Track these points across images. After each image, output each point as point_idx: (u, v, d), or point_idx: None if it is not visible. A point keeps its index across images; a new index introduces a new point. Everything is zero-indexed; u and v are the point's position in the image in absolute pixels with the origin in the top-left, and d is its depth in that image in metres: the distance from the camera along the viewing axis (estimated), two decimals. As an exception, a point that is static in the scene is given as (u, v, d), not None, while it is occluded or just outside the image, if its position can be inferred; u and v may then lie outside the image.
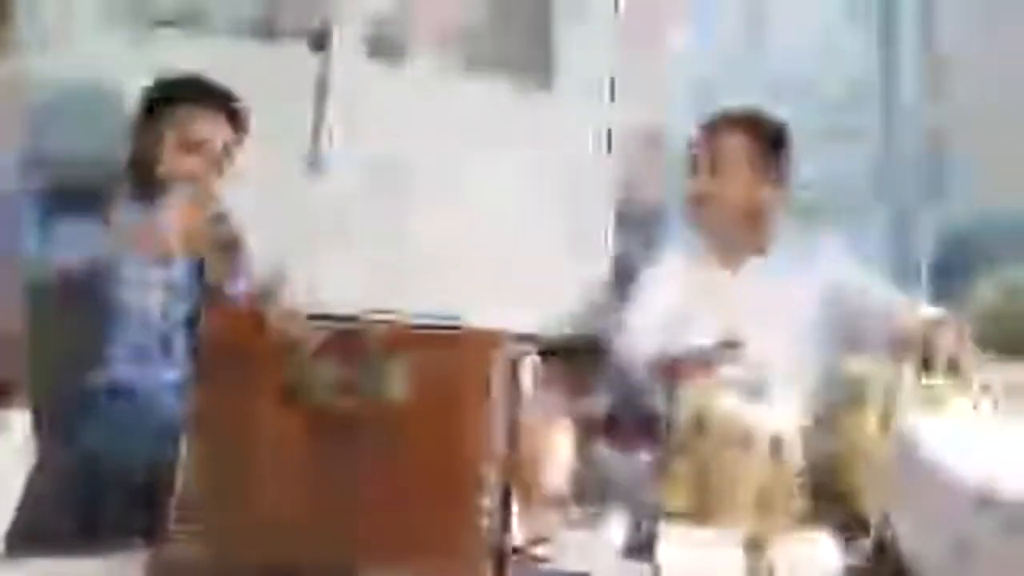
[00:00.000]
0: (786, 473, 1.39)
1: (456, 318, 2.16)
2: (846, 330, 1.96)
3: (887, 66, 2.58)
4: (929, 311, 1.83)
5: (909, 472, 1.10)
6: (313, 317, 2.06)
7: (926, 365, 1.61)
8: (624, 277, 2.30)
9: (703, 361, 1.64)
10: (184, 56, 2.09)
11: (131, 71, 2.00)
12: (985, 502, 0.97)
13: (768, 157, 2.05)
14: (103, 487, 1.47)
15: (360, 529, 0.98)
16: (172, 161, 1.76)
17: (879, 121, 2.55)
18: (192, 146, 1.77)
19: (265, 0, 2.51)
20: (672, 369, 1.69)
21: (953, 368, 1.58)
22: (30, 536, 1.00)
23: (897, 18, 2.59)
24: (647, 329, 1.90)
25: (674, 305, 1.98)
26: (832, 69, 2.56)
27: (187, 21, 2.33)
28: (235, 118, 1.84)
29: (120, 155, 1.83)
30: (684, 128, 2.33)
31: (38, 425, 1.01)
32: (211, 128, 1.80)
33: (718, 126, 2.09)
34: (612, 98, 2.44)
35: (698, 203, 2.04)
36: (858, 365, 1.50)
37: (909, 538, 1.11)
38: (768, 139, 2.06)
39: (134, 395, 1.60)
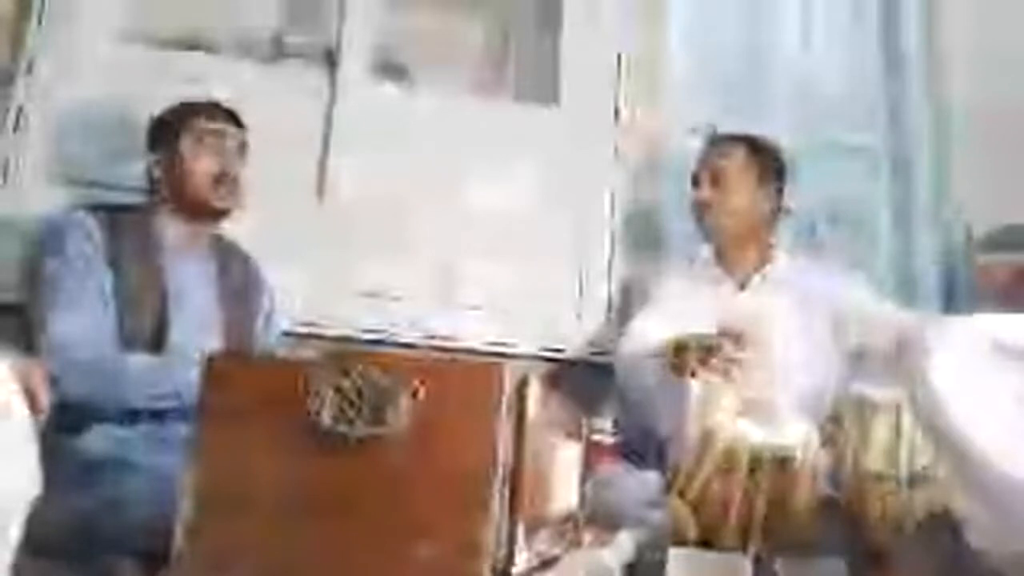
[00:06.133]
0: (795, 495, 1.38)
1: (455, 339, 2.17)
2: (854, 351, 1.95)
3: (889, 70, 2.57)
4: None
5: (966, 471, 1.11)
6: (312, 338, 2.09)
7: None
8: (631, 293, 2.29)
9: (705, 349, 1.64)
10: (193, 77, 2.11)
11: (144, 92, 2.03)
12: None
13: (766, 175, 2.06)
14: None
15: (361, 559, 0.98)
16: (192, 163, 1.78)
17: (882, 128, 2.54)
18: (207, 138, 1.79)
19: (274, 22, 2.53)
20: (678, 364, 1.68)
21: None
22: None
23: (899, 18, 2.58)
24: (654, 339, 1.90)
25: (681, 317, 1.97)
26: (834, 72, 2.56)
27: (197, 43, 2.35)
28: (241, 126, 1.87)
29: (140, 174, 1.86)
30: (685, 135, 2.36)
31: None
32: (222, 124, 1.83)
33: (718, 145, 2.10)
34: (617, 112, 2.44)
35: (703, 207, 2.05)
36: (867, 387, 1.49)
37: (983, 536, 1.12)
38: (766, 158, 2.08)
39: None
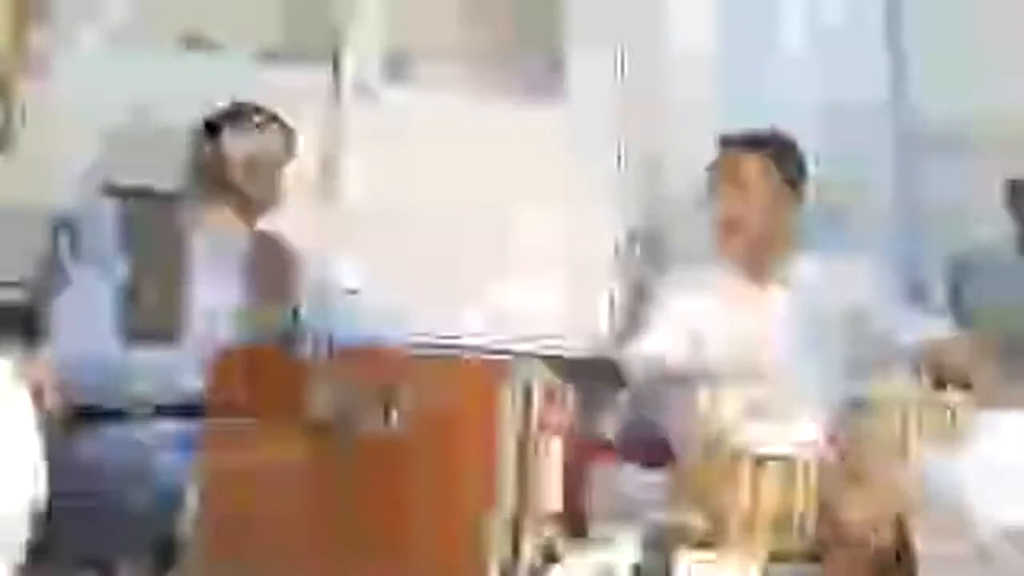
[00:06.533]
0: (802, 496, 1.38)
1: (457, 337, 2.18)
2: (867, 352, 1.95)
3: (895, 81, 2.56)
4: (945, 331, 1.85)
5: (935, 496, 1.11)
6: (314, 338, 2.09)
7: (941, 383, 1.62)
8: (633, 293, 2.29)
9: None
10: (193, 77, 2.12)
11: (144, 92, 2.03)
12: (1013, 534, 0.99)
13: (778, 172, 2.04)
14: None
15: (362, 558, 0.98)
16: (231, 152, 1.81)
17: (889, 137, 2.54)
18: (248, 130, 1.83)
19: (278, 24, 2.53)
20: None
21: (966, 386, 1.59)
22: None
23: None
24: (657, 338, 1.89)
25: (685, 317, 1.97)
26: (838, 83, 2.55)
27: (201, 44, 2.35)
28: (285, 126, 1.89)
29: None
30: (687, 135, 2.35)
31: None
32: (265, 119, 1.86)
33: (727, 144, 2.08)
34: (617, 112, 2.43)
35: (729, 230, 2.02)
36: (878, 387, 1.49)
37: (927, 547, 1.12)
38: (777, 155, 2.06)
39: None
